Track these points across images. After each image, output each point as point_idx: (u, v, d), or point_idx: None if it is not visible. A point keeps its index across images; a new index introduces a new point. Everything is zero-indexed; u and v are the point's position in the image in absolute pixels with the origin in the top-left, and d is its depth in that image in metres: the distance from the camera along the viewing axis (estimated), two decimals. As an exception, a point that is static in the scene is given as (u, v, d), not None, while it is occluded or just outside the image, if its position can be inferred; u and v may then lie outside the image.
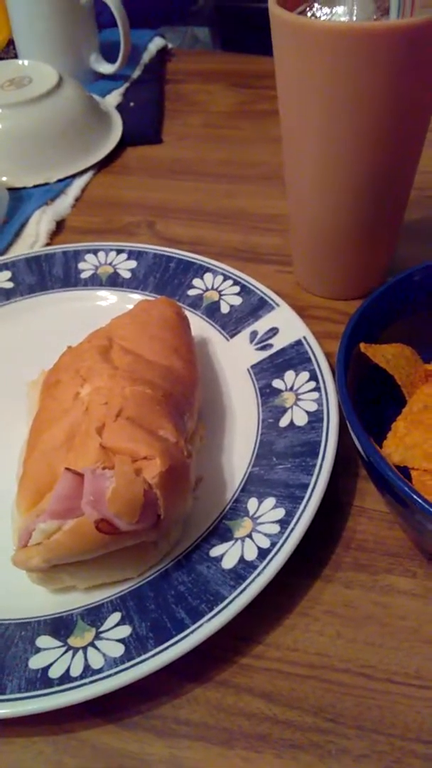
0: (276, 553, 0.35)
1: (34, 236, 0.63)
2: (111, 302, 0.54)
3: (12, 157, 0.71)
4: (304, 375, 0.44)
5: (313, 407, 0.42)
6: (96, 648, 0.33)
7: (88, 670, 0.32)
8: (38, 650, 0.33)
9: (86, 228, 0.66)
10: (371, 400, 0.40)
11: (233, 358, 0.48)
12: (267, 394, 0.45)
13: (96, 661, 0.32)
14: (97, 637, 0.34)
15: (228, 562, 0.36)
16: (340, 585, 0.37)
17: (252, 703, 0.33)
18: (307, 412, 0.42)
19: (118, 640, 0.33)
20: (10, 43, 0.92)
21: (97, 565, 0.35)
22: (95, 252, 0.57)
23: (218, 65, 0.96)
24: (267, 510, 0.38)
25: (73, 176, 0.72)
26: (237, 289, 0.52)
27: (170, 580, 0.36)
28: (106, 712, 0.33)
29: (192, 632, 0.33)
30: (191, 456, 0.37)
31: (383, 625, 0.35)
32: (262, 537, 0.36)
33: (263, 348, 0.47)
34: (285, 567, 0.35)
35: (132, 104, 0.85)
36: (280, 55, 0.43)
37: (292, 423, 0.42)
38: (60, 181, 0.71)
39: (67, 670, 0.32)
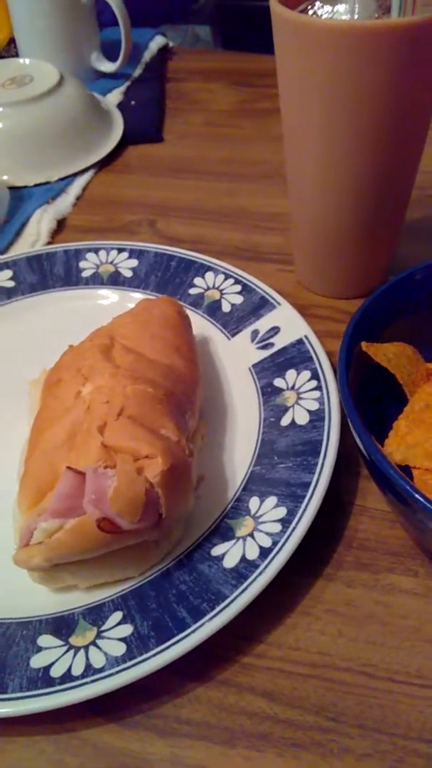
0: (277, 552, 0.35)
1: (35, 235, 0.63)
2: (112, 301, 0.54)
3: (13, 155, 0.71)
4: (306, 374, 0.44)
5: (314, 406, 0.42)
6: (97, 647, 0.33)
7: (89, 669, 0.32)
8: (40, 649, 0.33)
9: (87, 227, 0.66)
10: (373, 399, 0.40)
11: (234, 357, 0.48)
12: (268, 393, 0.45)
13: (97, 660, 0.32)
14: (99, 636, 0.34)
15: (229, 561, 0.36)
16: (341, 584, 0.37)
17: (254, 702, 0.33)
18: (309, 411, 0.42)
19: (120, 639, 0.33)
20: (11, 41, 0.92)
21: (98, 564, 0.35)
22: (96, 251, 0.57)
23: (219, 64, 0.96)
24: (268, 509, 0.38)
25: (74, 175, 0.72)
26: (238, 287, 0.52)
27: (172, 579, 0.36)
28: (108, 711, 0.33)
29: (193, 631, 0.33)
30: (193, 455, 0.37)
31: (385, 624, 0.35)
32: (263, 536, 0.36)
33: (264, 347, 0.47)
34: (286, 566, 0.35)
35: (133, 103, 0.85)
36: (281, 53, 0.43)
37: (293, 422, 0.42)
38: (61, 179, 0.71)
39: (69, 669, 0.32)
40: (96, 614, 0.35)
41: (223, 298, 0.52)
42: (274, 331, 0.48)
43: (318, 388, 0.43)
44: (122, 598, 0.35)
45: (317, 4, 0.42)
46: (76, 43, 0.86)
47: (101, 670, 0.32)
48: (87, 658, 0.33)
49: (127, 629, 0.34)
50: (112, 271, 0.55)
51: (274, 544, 0.36)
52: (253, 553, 0.36)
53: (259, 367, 0.46)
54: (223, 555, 0.36)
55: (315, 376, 0.44)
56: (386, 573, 0.37)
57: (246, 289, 0.52)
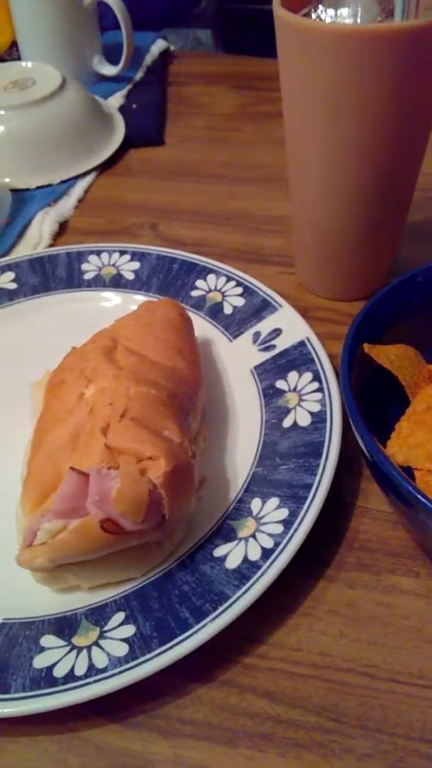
0: (280, 553, 0.35)
1: (37, 237, 0.64)
2: (115, 303, 0.54)
3: (15, 158, 0.71)
4: (308, 376, 0.45)
5: (316, 408, 0.42)
6: (100, 647, 0.33)
7: (92, 670, 0.32)
8: (42, 649, 0.33)
9: (89, 229, 0.66)
10: (374, 401, 0.40)
11: (236, 359, 0.48)
12: (270, 394, 0.45)
13: (100, 660, 0.32)
14: (102, 636, 0.34)
15: (232, 562, 0.36)
16: (343, 585, 0.37)
17: (255, 703, 0.33)
18: (311, 413, 0.42)
19: (123, 640, 0.33)
20: (14, 44, 0.92)
21: (101, 565, 0.35)
22: (98, 253, 0.57)
23: (220, 67, 0.96)
24: (270, 510, 0.38)
25: (76, 178, 0.72)
26: (240, 290, 0.52)
27: (174, 579, 0.36)
28: (110, 711, 0.33)
29: (196, 632, 0.33)
30: (195, 456, 0.37)
31: (386, 624, 0.35)
32: (265, 537, 0.36)
33: (266, 349, 0.48)
34: (288, 567, 0.35)
35: (134, 106, 0.85)
36: (284, 57, 0.43)
37: (295, 423, 0.42)
38: (63, 182, 0.71)
39: (72, 669, 0.32)
40: (99, 615, 0.35)
41: (225, 300, 0.52)
42: (276, 333, 0.48)
43: (320, 389, 0.43)
44: (125, 598, 0.35)
45: (320, 7, 0.42)
46: (78, 46, 0.86)
47: (104, 670, 0.32)
48: (90, 659, 0.33)
49: (129, 630, 0.34)
50: (114, 273, 0.56)
51: (276, 545, 0.36)
52: (255, 554, 0.36)
53: (260, 368, 0.47)
54: (226, 556, 0.36)
55: (317, 377, 0.44)
56: (388, 574, 0.37)
57: (248, 292, 0.52)
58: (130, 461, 0.34)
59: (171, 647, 0.32)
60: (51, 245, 0.63)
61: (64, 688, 0.32)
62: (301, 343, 0.47)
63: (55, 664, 0.33)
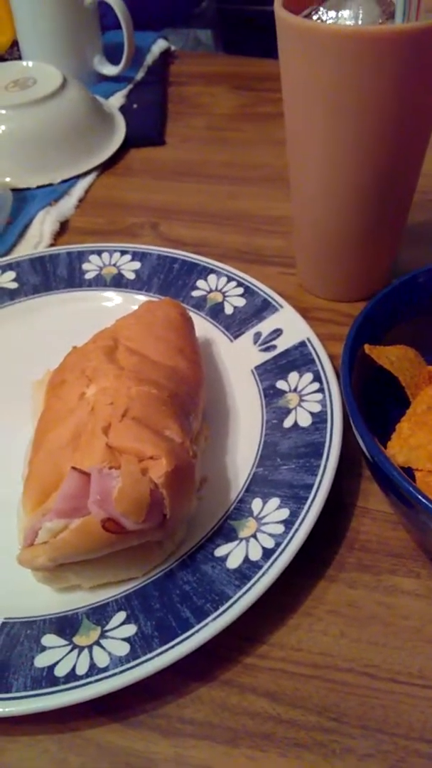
0: (280, 554, 0.35)
1: (37, 237, 0.64)
2: (115, 303, 0.54)
3: (16, 158, 0.71)
4: (308, 376, 0.45)
5: (316, 408, 0.42)
6: (101, 647, 0.33)
7: (93, 669, 0.32)
8: (44, 649, 0.33)
9: (90, 229, 0.66)
10: (375, 402, 0.40)
11: (237, 359, 0.48)
12: (271, 395, 0.45)
13: (101, 659, 0.33)
14: (103, 635, 0.34)
15: (233, 562, 0.36)
16: (343, 585, 0.37)
17: (256, 703, 0.33)
18: (311, 413, 0.42)
19: (124, 639, 0.33)
20: (14, 44, 0.92)
21: (102, 565, 0.35)
22: (99, 253, 0.57)
23: (221, 67, 0.96)
24: (271, 510, 0.38)
25: (77, 177, 0.72)
26: (241, 290, 0.52)
27: (175, 579, 0.36)
28: (111, 710, 0.33)
29: (197, 631, 0.33)
30: (196, 456, 0.38)
31: (387, 625, 0.36)
32: (266, 537, 0.36)
33: (267, 349, 0.48)
34: (289, 567, 0.35)
35: (135, 106, 0.85)
36: (285, 58, 0.43)
37: (296, 424, 0.42)
38: (64, 182, 0.71)
39: (73, 669, 0.32)
40: (100, 614, 0.35)
41: (226, 300, 0.52)
42: (277, 333, 0.48)
43: (320, 390, 0.44)
44: (126, 598, 0.35)
45: (321, 9, 0.42)
46: (78, 46, 0.86)
47: (105, 669, 0.32)
48: (91, 658, 0.33)
49: (130, 629, 0.34)
50: (115, 273, 0.56)
51: (277, 545, 0.36)
52: (256, 554, 0.36)
53: (261, 369, 0.47)
54: (227, 556, 0.36)
55: (317, 378, 0.44)
56: (388, 574, 0.38)
57: (248, 292, 0.52)
58: (131, 461, 0.34)
59: (172, 647, 0.33)
60: (52, 245, 0.63)
61: (66, 687, 0.32)
62: (302, 344, 0.47)
63: (57, 663, 0.33)
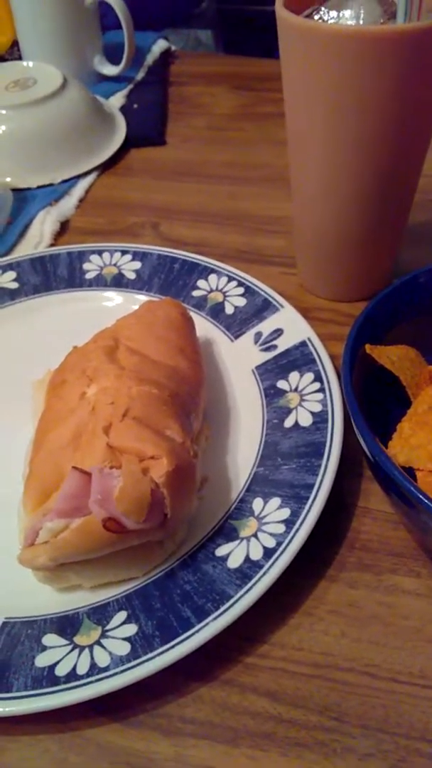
0: (281, 553, 0.35)
1: (38, 237, 0.64)
2: (116, 303, 0.54)
3: (16, 158, 0.71)
4: (309, 376, 0.45)
5: (317, 408, 0.42)
6: (102, 646, 0.33)
7: (94, 669, 0.32)
8: (44, 648, 0.33)
9: (90, 229, 0.66)
10: (376, 402, 0.40)
11: (238, 359, 0.48)
12: (272, 394, 0.45)
13: (102, 659, 0.33)
14: (103, 635, 0.34)
15: (233, 562, 0.36)
16: (344, 585, 0.37)
17: (257, 702, 0.33)
18: (312, 413, 0.42)
19: (124, 639, 0.33)
20: (15, 44, 0.92)
21: (103, 564, 0.35)
22: (100, 253, 0.57)
23: (221, 67, 0.97)
24: (272, 510, 0.38)
25: (77, 177, 0.72)
26: (241, 290, 0.52)
27: (176, 579, 0.36)
28: (112, 710, 0.33)
29: (198, 631, 0.33)
30: (197, 456, 0.38)
31: (387, 624, 0.36)
32: (267, 537, 0.36)
33: (268, 349, 0.48)
34: (290, 567, 0.35)
35: (136, 106, 0.85)
36: (286, 58, 0.43)
37: (296, 423, 0.42)
38: (64, 182, 0.71)
39: (74, 669, 0.32)
40: (101, 614, 0.35)
41: (227, 300, 0.52)
42: (277, 333, 0.48)
43: (321, 390, 0.43)
44: (127, 597, 0.35)
45: (323, 9, 0.42)
46: (79, 46, 0.86)
47: (106, 669, 0.32)
48: (92, 658, 0.33)
49: (131, 629, 0.34)
50: (115, 273, 0.56)
51: (278, 544, 0.36)
52: (257, 554, 0.36)
53: (262, 369, 0.47)
54: (227, 555, 0.36)
55: (318, 378, 0.44)
56: (389, 574, 0.38)
57: (249, 292, 0.52)
58: (132, 460, 0.34)
59: (173, 646, 0.33)
60: (52, 245, 0.63)
61: (66, 687, 0.32)
62: (303, 344, 0.47)
63: (57, 663, 0.33)
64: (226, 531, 0.38)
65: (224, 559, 0.36)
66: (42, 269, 0.56)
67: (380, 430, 0.37)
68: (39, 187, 0.70)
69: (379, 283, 0.53)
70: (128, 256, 0.57)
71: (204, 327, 0.50)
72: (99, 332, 0.45)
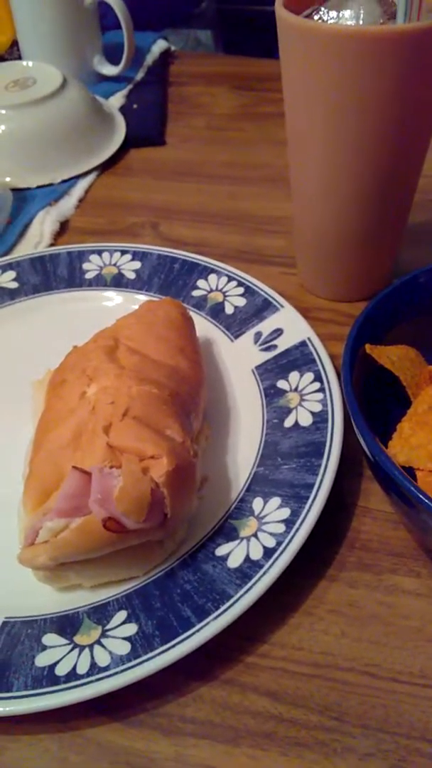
0: (281, 553, 0.35)
1: (38, 236, 0.64)
2: (116, 303, 0.54)
3: (16, 157, 0.71)
4: (309, 376, 0.45)
5: (317, 408, 0.42)
6: (102, 646, 0.33)
7: (94, 668, 0.32)
8: (44, 648, 0.33)
9: (90, 229, 0.66)
10: (376, 402, 0.40)
11: (238, 359, 0.48)
12: (271, 394, 0.45)
13: (102, 658, 0.33)
14: (104, 635, 0.34)
15: (233, 561, 0.36)
16: (344, 584, 0.37)
17: (257, 702, 0.33)
18: (312, 413, 0.42)
19: (125, 638, 0.33)
20: (14, 44, 0.92)
21: (103, 564, 0.35)
22: (100, 252, 0.57)
23: (221, 68, 0.97)
24: (272, 510, 0.38)
25: (77, 177, 0.72)
26: (241, 290, 0.52)
27: (176, 578, 0.36)
28: (112, 709, 0.33)
29: (198, 631, 0.33)
30: (197, 455, 0.38)
31: (387, 624, 0.36)
32: (267, 536, 0.36)
33: (268, 349, 0.48)
34: (290, 566, 0.35)
35: (135, 106, 0.85)
36: (286, 58, 0.43)
37: (296, 423, 0.42)
38: (64, 181, 0.71)
39: (74, 668, 0.32)
40: (101, 613, 0.35)
41: (226, 300, 0.52)
42: (277, 333, 0.48)
43: (321, 390, 0.43)
44: (127, 597, 0.35)
45: (322, 9, 0.42)
46: (79, 46, 0.86)
47: (106, 668, 0.32)
48: (92, 657, 0.33)
49: (131, 628, 0.34)
50: (115, 273, 0.56)
51: (278, 544, 0.36)
52: (257, 554, 0.36)
53: (262, 368, 0.47)
54: (228, 555, 0.36)
55: (318, 378, 0.44)
56: (389, 574, 0.38)
57: (249, 292, 0.52)
58: (132, 460, 0.34)
59: (173, 646, 0.33)
60: (52, 244, 0.63)
61: (66, 686, 0.32)
62: (303, 344, 0.47)
63: (57, 662, 0.33)
64: (226, 531, 0.38)
65: (224, 558, 0.36)
66: (42, 269, 0.56)
67: (380, 430, 0.37)
68: (39, 187, 0.70)
69: (379, 283, 0.53)
70: (128, 256, 0.57)
71: (204, 327, 0.50)
72: (99, 332, 0.45)
